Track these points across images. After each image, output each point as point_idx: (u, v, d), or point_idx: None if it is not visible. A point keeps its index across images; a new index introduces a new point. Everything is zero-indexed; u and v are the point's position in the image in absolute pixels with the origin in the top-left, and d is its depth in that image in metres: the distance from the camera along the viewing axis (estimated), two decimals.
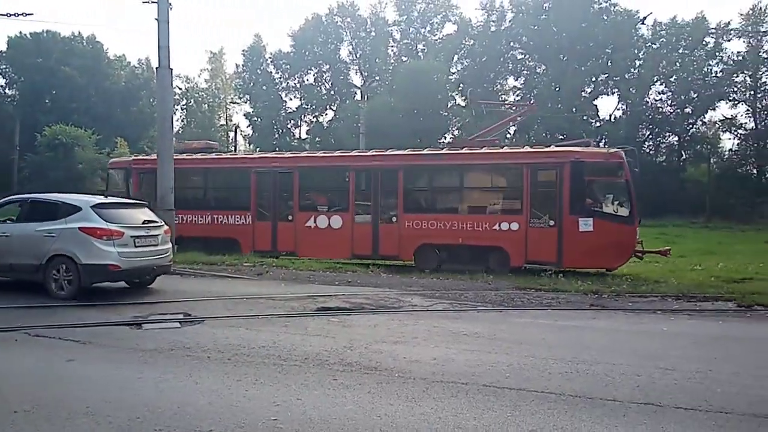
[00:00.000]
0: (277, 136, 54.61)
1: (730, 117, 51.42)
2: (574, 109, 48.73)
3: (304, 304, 9.53)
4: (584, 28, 48.66)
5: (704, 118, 51.95)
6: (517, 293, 10.95)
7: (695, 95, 49.61)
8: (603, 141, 42.70)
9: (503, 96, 54.21)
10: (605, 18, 49.90)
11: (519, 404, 4.85)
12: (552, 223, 13.34)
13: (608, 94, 51.79)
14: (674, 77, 49.59)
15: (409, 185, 14.94)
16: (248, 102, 56.44)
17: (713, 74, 49.72)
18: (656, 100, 50.90)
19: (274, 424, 4.39)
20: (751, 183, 49.44)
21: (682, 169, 50.91)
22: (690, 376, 5.69)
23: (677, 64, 49.28)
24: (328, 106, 55.93)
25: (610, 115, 51.92)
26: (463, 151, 15.10)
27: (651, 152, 51.78)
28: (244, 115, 56.13)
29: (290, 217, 15.76)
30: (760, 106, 49.82)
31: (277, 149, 48.43)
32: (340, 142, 37.69)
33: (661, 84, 50.43)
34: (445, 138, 50.40)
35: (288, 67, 55.12)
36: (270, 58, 55.61)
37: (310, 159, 17.24)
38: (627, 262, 13.66)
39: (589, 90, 50.78)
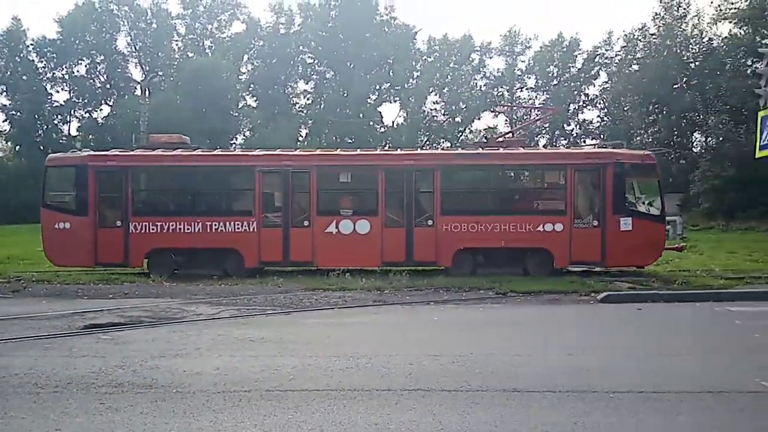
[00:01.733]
0: (41, 132, 48.21)
1: (492, 126, 58.23)
2: (361, 115, 51.09)
3: (70, 322, 8.54)
4: (368, 38, 51.19)
5: (471, 126, 58.05)
6: (306, 294, 11.11)
7: (464, 106, 55.22)
8: (388, 145, 45.35)
9: (294, 98, 54.79)
10: (386, 30, 53.07)
11: (301, 405, 4.91)
12: (596, 223, 13.28)
13: (391, 102, 55.28)
14: (446, 89, 54.70)
15: (446, 186, 13.90)
16: (4, 94, 48.94)
17: (478, 87, 55.92)
18: (432, 109, 55.68)
19: None
20: None
21: None
22: (454, 360, 6.30)
23: (449, 77, 54.41)
24: (103, 101, 50.98)
25: (393, 122, 55.51)
26: (503, 151, 14.49)
27: None
28: (0, 108, 48.52)
29: (306, 223, 13.86)
30: (515, 117, 57.19)
31: (42, 147, 42.91)
32: (117, 140, 34.58)
33: (436, 95, 55.28)
34: (236, 139, 49.44)
35: (54, 55, 49.03)
36: (32, 44, 48.91)
37: (332, 157, 15.21)
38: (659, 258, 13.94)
39: (374, 97, 53.56)
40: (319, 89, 53.42)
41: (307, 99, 54.86)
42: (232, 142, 46.75)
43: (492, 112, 55.62)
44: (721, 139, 36.27)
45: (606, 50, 53.67)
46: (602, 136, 52.53)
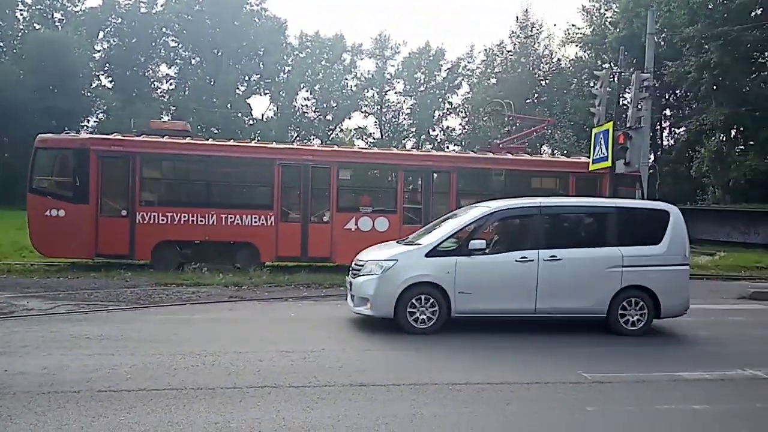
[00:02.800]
0: None
1: (362, 127, 59.17)
2: (229, 105, 49.39)
3: None
4: (237, 26, 49.71)
5: (342, 125, 58.53)
6: (156, 289, 10.53)
7: (335, 104, 55.51)
8: (256, 139, 44.32)
9: (155, 82, 51.72)
10: (257, 21, 51.87)
11: (136, 406, 4.62)
12: None
13: (260, 95, 54.15)
14: (318, 86, 54.65)
15: (462, 186, 14.29)
16: None
17: (349, 88, 56.49)
18: (303, 105, 55.38)
19: None
20: None
21: None
22: (306, 356, 6.29)
23: (320, 74, 54.41)
24: None
25: (263, 115, 54.38)
26: (511, 156, 15.18)
27: None
28: None
29: (325, 219, 13.72)
30: (385, 119, 58.55)
31: None
32: None
33: (307, 91, 55.02)
34: (88, 121, 45.60)
35: None
36: None
37: (354, 155, 15.38)
38: None
39: (243, 88, 52.12)
40: (184, 75, 50.96)
41: (170, 84, 52.10)
42: (83, 124, 43.04)
43: (362, 112, 56.55)
44: (565, 152, 39.73)
45: (468, 62, 56.67)
46: (463, 144, 55.38)
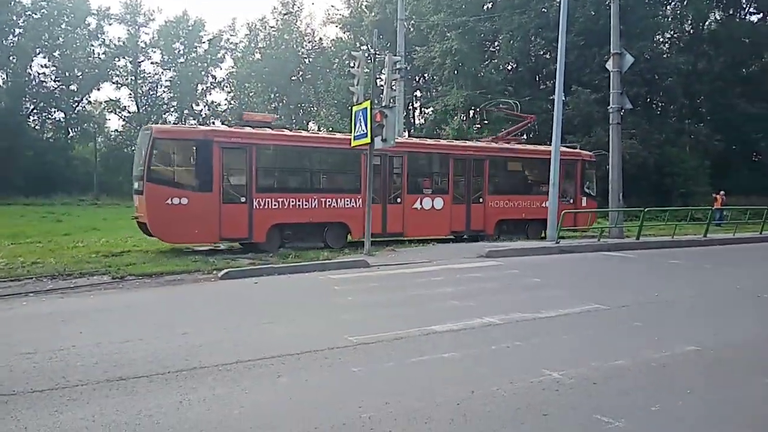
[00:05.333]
0: None
1: (114, 99, 53.82)
2: None
3: None
4: None
5: (90, 97, 52.57)
6: None
7: (80, 74, 49.58)
8: None
9: None
10: None
11: None
12: (571, 201, 19.43)
13: None
14: (58, 52, 48.19)
15: (492, 173, 18.05)
16: None
17: (96, 55, 50.83)
18: (40, 74, 48.45)
19: None
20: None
21: (70, 146, 50.24)
22: (52, 356, 5.58)
23: (60, 39, 48.01)
24: None
25: None
26: (525, 147, 20.17)
27: (37, 128, 49.01)
28: None
29: (399, 200, 16.24)
30: (141, 92, 54.01)
31: None
32: None
33: (45, 57, 48.20)
34: None
35: None
36: None
37: (419, 146, 18.30)
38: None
39: None
40: None
41: None
42: None
43: (114, 83, 51.45)
44: (331, 129, 41.14)
45: (231, 36, 55.02)
46: (230, 119, 53.89)
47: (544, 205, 17.20)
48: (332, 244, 15.08)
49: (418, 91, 48.33)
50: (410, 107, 49.03)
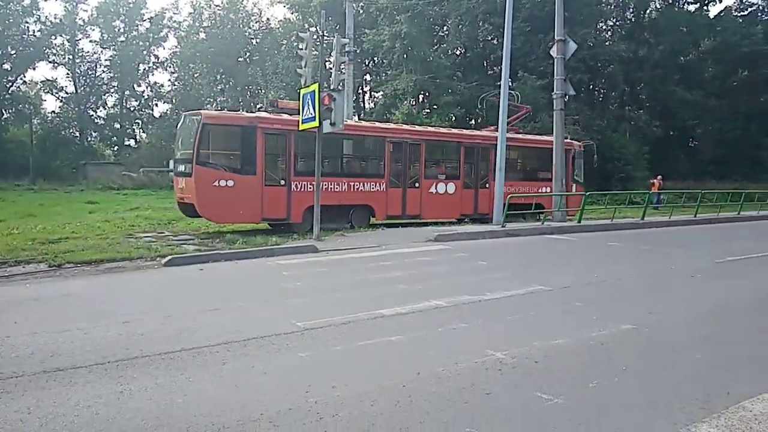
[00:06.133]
0: None
1: (50, 79, 51.45)
2: None
3: None
4: None
5: (25, 77, 50.14)
6: None
7: (14, 52, 47.16)
8: None
9: None
10: None
11: None
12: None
13: None
14: None
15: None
16: None
17: (31, 33, 48.40)
18: None
19: None
20: (74, 145, 51.13)
21: (4, 128, 47.87)
22: None
23: None
24: None
25: None
26: (526, 136, 21.69)
27: None
28: None
29: (417, 184, 17.46)
30: (79, 71, 51.78)
31: None
32: None
33: None
34: None
35: None
36: None
37: (436, 134, 19.26)
38: None
39: None
40: None
41: None
42: None
43: (50, 62, 49.14)
44: None
45: (174, 14, 53.24)
46: (173, 101, 52.27)
47: (542, 190, 19.71)
48: (357, 224, 16.24)
49: (368, 74, 48.07)
50: (360, 91, 48.77)
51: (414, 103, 36.65)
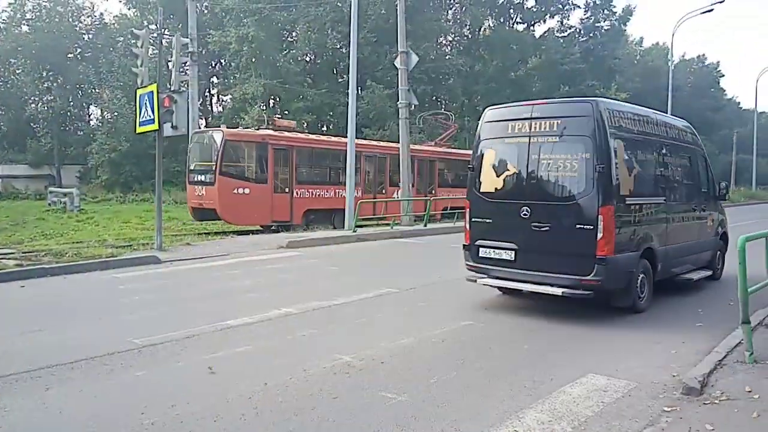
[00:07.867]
0: None
1: None
2: None
3: None
4: None
5: None
6: None
7: None
8: None
9: None
10: None
11: None
12: None
13: None
14: None
15: (440, 168, 24.78)
16: None
17: None
18: None
19: None
20: None
21: None
22: None
23: None
24: None
25: None
26: None
27: None
28: None
29: (384, 191, 21.79)
30: None
31: None
32: None
33: None
34: None
35: None
36: None
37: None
38: None
39: None
40: None
41: None
42: None
43: None
44: (116, 114, 37.62)
45: None
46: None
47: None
48: (338, 226, 18.32)
49: (215, 77, 46.43)
50: (207, 94, 46.91)
51: (264, 108, 36.05)
